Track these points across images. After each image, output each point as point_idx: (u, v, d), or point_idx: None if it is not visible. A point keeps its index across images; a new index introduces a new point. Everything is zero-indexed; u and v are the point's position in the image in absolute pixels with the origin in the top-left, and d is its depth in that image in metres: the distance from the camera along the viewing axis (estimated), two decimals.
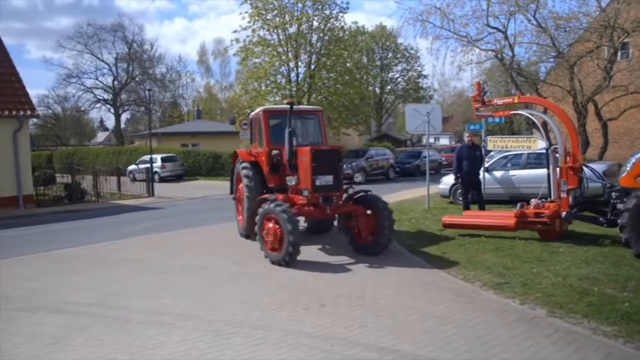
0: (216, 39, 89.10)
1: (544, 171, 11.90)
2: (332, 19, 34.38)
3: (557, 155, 10.68)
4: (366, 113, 43.34)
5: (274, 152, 11.13)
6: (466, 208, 13.64)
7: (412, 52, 54.35)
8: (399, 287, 7.46)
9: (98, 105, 68.95)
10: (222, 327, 6.21)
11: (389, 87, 56.45)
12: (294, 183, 9.87)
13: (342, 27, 35.68)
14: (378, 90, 53.76)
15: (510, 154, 16.38)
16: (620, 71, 20.19)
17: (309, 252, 10.27)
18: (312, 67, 34.27)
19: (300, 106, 12.96)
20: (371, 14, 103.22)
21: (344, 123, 37.58)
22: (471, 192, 13.90)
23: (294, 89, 33.66)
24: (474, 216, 11.99)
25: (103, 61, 65.37)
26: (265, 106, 11.80)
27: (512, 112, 13.50)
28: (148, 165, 28.42)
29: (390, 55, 54.97)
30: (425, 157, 17.97)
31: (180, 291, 7.95)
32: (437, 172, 29.11)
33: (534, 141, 13.71)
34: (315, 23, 33.77)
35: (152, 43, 73.71)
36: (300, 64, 34.35)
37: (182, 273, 9.18)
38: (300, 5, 32.91)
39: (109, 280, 8.75)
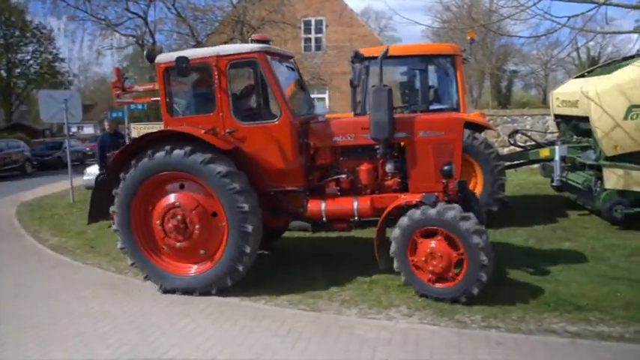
0: None
1: None
2: None
3: None
4: None
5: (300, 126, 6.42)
6: None
7: (45, 32, 49.23)
8: (45, 293, 6.75)
9: None
10: None
11: (18, 70, 49.99)
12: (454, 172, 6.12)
13: None
14: (4, 73, 47.11)
15: None
16: None
17: None
18: None
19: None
20: None
21: None
22: None
23: None
24: None
25: None
26: (260, 44, 6.55)
27: (153, 99, 13.59)
28: None
29: (18, 33, 48.68)
30: (67, 148, 16.61)
31: None
32: (82, 164, 27.14)
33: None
34: None
35: None
36: None
37: None
38: None
39: None
